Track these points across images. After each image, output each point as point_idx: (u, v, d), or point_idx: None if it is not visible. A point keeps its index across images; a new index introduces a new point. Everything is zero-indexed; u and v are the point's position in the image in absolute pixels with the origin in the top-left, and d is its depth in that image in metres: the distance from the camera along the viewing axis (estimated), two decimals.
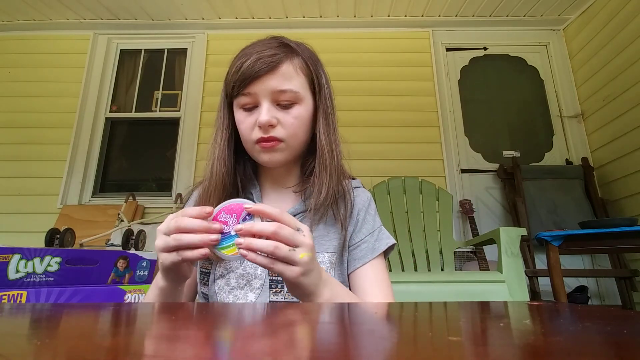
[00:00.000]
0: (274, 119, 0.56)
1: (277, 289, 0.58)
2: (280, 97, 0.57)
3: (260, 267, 0.58)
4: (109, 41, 3.03)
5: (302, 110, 0.59)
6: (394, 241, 0.65)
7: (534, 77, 2.95)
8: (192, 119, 2.82)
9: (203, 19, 2.95)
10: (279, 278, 0.58)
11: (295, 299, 0.57)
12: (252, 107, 0.58)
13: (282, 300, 0.58)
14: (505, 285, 1.43)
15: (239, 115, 0.59)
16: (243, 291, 0.58)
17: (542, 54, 2.98)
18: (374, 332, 0.24)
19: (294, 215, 0.60)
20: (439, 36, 2.99)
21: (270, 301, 0.58)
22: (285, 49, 0.59)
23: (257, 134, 0.57)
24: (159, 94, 2.98)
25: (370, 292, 0.60)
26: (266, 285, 0.58)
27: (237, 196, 0.60)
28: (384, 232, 0.65)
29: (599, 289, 2.46)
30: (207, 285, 0.61)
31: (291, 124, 0.58)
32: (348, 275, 0.63)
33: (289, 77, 0.57)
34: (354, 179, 0.69)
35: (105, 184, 2.81)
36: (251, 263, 0.59)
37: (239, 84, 0.57)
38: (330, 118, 0.62)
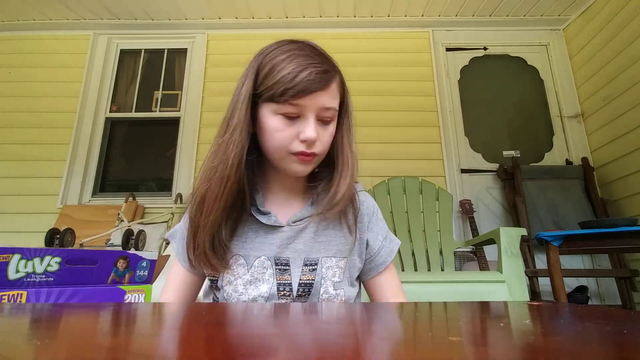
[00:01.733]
0: (316, 136, 0.57)
1: (284, 292, 0.58)
2: (324, 114, 0.57)
3: (268, 272, 0.59)
4: (109, 41, 3.03)
5: (333, 127, 0.60)
6: (399, 240, 0.70)
7: (534, 77, 2.95)
8: (192, 119, 2.82)
9: (203, 19, 2.95)
10: (286, 281, 0.58)
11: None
12: (294, 119, 0.56)
13: (292, 303, 0.58)
14: (505, 285, 1.43)
15: (276, 122, 0.56)
16: (251, 297, 0.58)
17: (542, 54, 2.98)
18: (374, 332, 0.24)
19: (299, 220, 0.62)
20: (439, 36, 2.98)
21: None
22: (332, 65, 0.59)
23: (298, 146, 0.56)
24: (159, 94, 2.98)
25: (395, 295, 0.66)
26: (274, 289, 0.58)
27: (243, 203, 0.60)
28: (391, 233, 0.70)
29: (599, 289, 2.45)
30: (219, 290, 0.62)
31: (327, 140, 0.59)
32: (368, 281, 0.67)
33: (334, 96, 0.58)
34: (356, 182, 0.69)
35: (105, 184, 2.81)
36: (258, 268, 0.59)
37: (292, 94, 0.54)
38: (352, 131, 0.64)
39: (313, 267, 0.60)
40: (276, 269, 0.59)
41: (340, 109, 0.62)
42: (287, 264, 0.59)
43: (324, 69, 0.56)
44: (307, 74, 0.54)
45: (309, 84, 0.54)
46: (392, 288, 0.66)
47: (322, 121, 0.58)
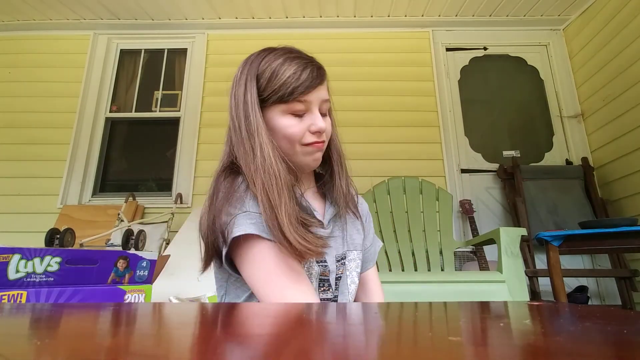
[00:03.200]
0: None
1: (324, 288, 0.62)
2: (324, 106, 0.63)
3: (315, 269, 0.61)
4: (109, 41, 3.03)
5: (329, 119, 0.66)
6: (382, 242, 0.81)
7: (534, 77, 2.95)
8: (192, 119, 2.82)
9: (203, 19, 2.95)
10: (325, 277, 0.62)
11: (335, 298, 0.63)
12: (302, 115, 0.61)
13: (331, 297, 0.63)
14: (505, 285, 1.43)
15: (286, 121, 0.60)
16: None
17: (542, 54, 2.98)
18: (375, 332, 0.24)
19: (329, 220, 0.65)
20: (439, 36, 2.98)
21: (321, 299, 0.61)
22: (318, 61, 0.65)
23: (310, 138, 0.61)
24: (159, 94, 2.98)
25: (377, 290, 0.74)
26: (315, 285, 0.61)
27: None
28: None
29: (599, 289, 2.45)
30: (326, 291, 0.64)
31: (329, 130, 0.65)
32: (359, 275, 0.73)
33: (328, 89, 0.64)
34: None
35: (105, 184, 2.81)
36: (306, 264, 0.59)
37: (301, 90, 0.58)
38: (336, 124, 0.70)
39: (342, 262, 0.65)
40: (318, 265, 0.62)
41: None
42: (324, 260, 0.63)
43: (319, 65, 0.63)
44: (310, 70, 0.60)
45: (313, 80, 0.59)
46: (377, 284, 0.75)
47: (322, 114, 0.63)
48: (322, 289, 0.61)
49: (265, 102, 0.60)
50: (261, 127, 0.59)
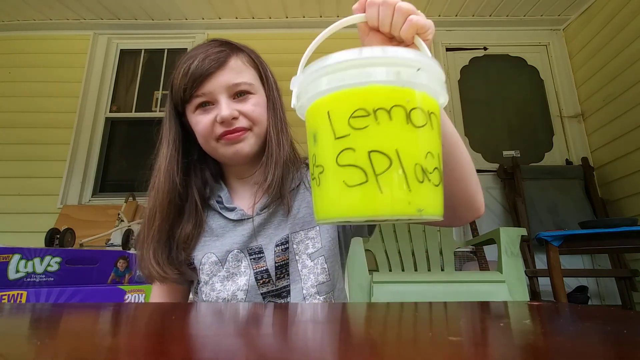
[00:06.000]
0: (235, 111, 0.57)
1: (263, 280, 0.58)
2: (235, 89, 0.58)
3: (243, 264, 0.58)
4: (109, 41, 3.03)
5: (257, 99, 0.60)
6: None
7: (534, 77, 2.95)
8: None
9: (203, 19, 2.95)
10: (263, 268, 0.58)
11: (286, 287, 0.58)
12: (208, 107, 0.58)
13: (274, 289, 0.58)
14: (505, 285, 1.43)
15: (195, 118, 0.58)
16: (230, 292, 0.58)
17: (542, 54, 2.98)
18: (374, 332, 0.24)
19: (266, 207, 0.61)
20: (439, 36, 2.98)
21: (261, 293, 0.58)
22: (229, 46, 0.60)
23: (220, 129, 0.57)
24: (159, 94, 2.98)
25: None
26: (252, 280, 0.58)
27: (181, 211, 0.62)
28: None
29: (599, 289, 2.45)
30: (197, 294, 0.61)
31: (252, 111, 0.58)
32: None
33: (240, 71, 0.59)
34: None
35: (105, 184, 2.81)
36: (232, 263, 0.59)
37: (190, 85, 0.56)
38: (277, 109, 0.62)
39: (285, 247, 0.59)
40: (251, 259, 0.59)
41: (265, 87, 0.63)
42: (260, 252, 0.59)
43: (217, 50, 0.57)
44: (199, 61, 0.56)
45: (202, 70, 0.56)
46: None
47: (239, 98, 0.58)
48: (260, 282, 0.58)
49: (183, 109, 0.60)
50: (164, 141, 0.62)
